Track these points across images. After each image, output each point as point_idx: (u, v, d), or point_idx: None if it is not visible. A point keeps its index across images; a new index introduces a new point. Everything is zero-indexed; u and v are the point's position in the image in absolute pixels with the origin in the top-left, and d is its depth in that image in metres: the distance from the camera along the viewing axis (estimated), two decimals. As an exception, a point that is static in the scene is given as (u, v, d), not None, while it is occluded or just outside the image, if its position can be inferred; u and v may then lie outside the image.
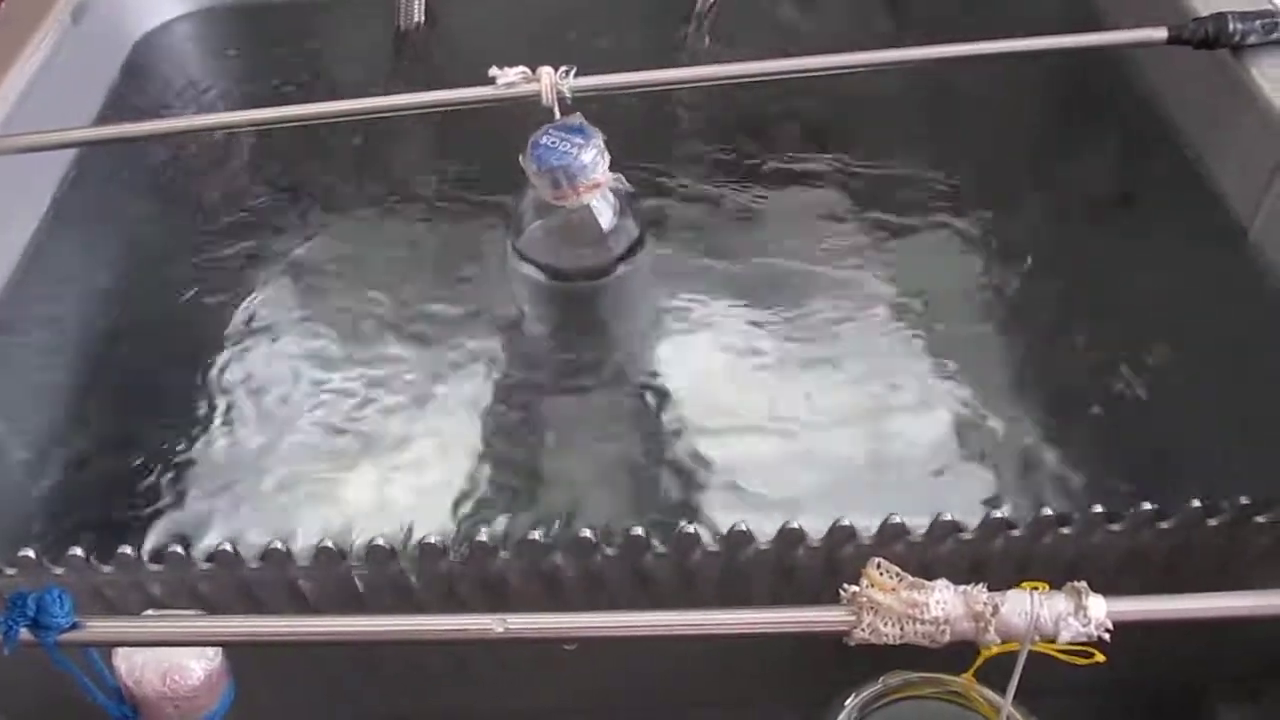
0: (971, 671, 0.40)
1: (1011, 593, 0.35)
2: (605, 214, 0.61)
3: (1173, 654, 0.50)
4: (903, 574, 0.35)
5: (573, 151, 0.57)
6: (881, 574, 0.35)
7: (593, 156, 0.58)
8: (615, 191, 0.60)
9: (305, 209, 0.69)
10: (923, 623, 0.35)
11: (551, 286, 0.62)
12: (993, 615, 0.34)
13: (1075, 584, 0.35)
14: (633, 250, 0.62)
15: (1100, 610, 0.34)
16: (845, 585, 0.35)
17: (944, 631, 0.35)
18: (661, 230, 0.65)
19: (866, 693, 0.46)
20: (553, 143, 0.58)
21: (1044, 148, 0.70)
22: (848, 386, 0.57)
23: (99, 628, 0.35)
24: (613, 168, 0.59)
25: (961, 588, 0.35)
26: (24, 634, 0.34)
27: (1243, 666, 0.53)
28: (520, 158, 0.59)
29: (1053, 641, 0.35)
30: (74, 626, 0.35)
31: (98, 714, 0.40)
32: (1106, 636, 0.34)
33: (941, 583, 0.35)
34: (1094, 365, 0.57)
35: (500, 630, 0.34)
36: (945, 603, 0.35)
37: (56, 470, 0.56)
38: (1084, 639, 0.35)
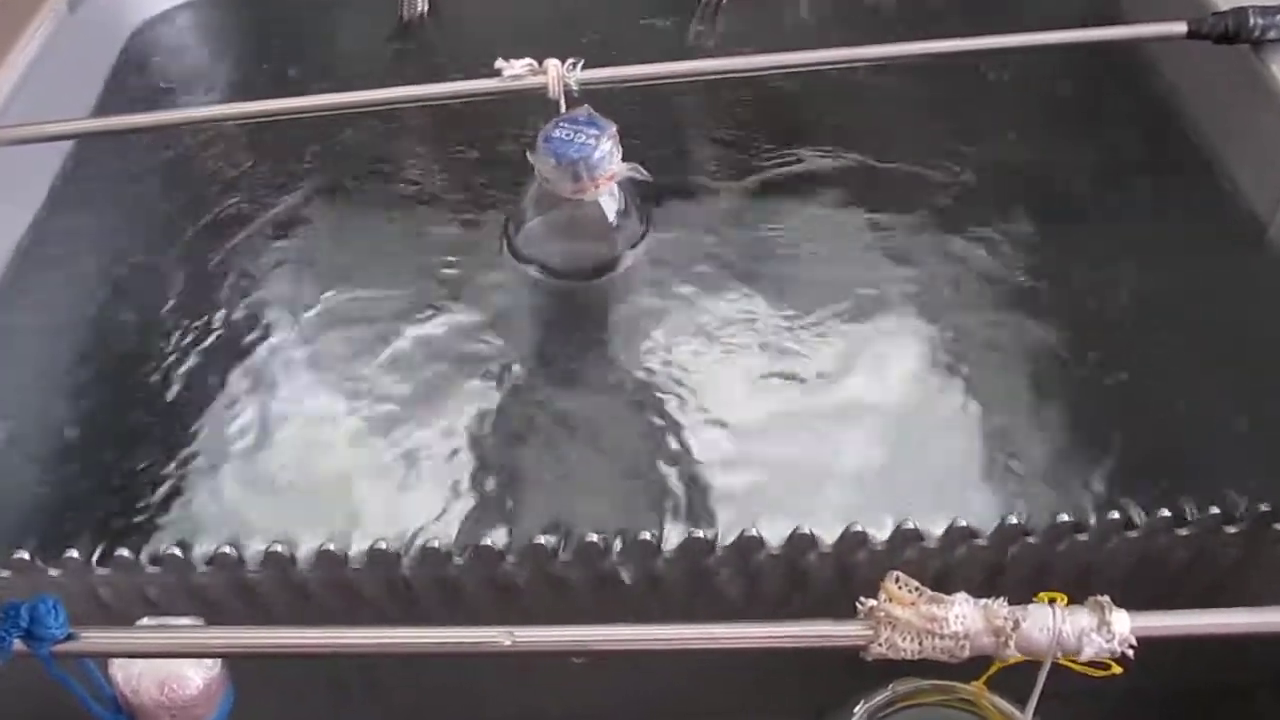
0: (984, 680, 0.39)
1: (1033, 606, 0.34)
2: (611, 208, 0.60)
3: (1189, 659, 0.49)
4: (921, 588, 0.34)
5: (590, 143, 0.56)
6: (900, 588, 0.34)
7: (609, 148, 0.57)
8: (623, 184, 0.59)
9: (304, 202, 0.68)
10: (942, 638, 0.34)
11: (556, 284, 0.61)
12: (1013, 630, 0.34)
13: (1099, 598, 0.34)
14: (636, 246, 0.61)
15: (1124, 626, 0.34)
16: (862, 599, 0.34)
17: (964, 647, 0.34)
18: (666, 227, 0.64)
19: (876, 700, 0.45)
20: (568, 136, 0.57)
21: (1061, 142, 0.69)
22: (859, 389, 0.56)
23: (94, 638, 0.34)
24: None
25: (981, 601, 0.34)
26: (17, 645, 0.34)
27: (1260, 672, 0.52)
28: (528, 153, 0.58)
29: (1075, 657, 0.34)
30: (68, 637, 0.34)
31: (94, 721, 0.39)
32: (1130, 653, 0.34)
33: (961, 596, 0.34)
34: (1110, 367, 0.56)
35: (508, 643, 0.34)
36: (965, 617, 0.34)
37: (52, 468, 0.55)
38: (1107, 655, 0.34)
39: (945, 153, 0.68)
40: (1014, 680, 0.36)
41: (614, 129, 0.57)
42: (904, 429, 0.54)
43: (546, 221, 0.61)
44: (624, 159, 0.58)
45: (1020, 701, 0.36)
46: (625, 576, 0.48)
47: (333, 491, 0.52)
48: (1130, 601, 0.34)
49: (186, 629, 0.39)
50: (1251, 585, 0.51)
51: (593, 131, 0.57)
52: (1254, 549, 0.49)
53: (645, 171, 0.58)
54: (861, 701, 0.45)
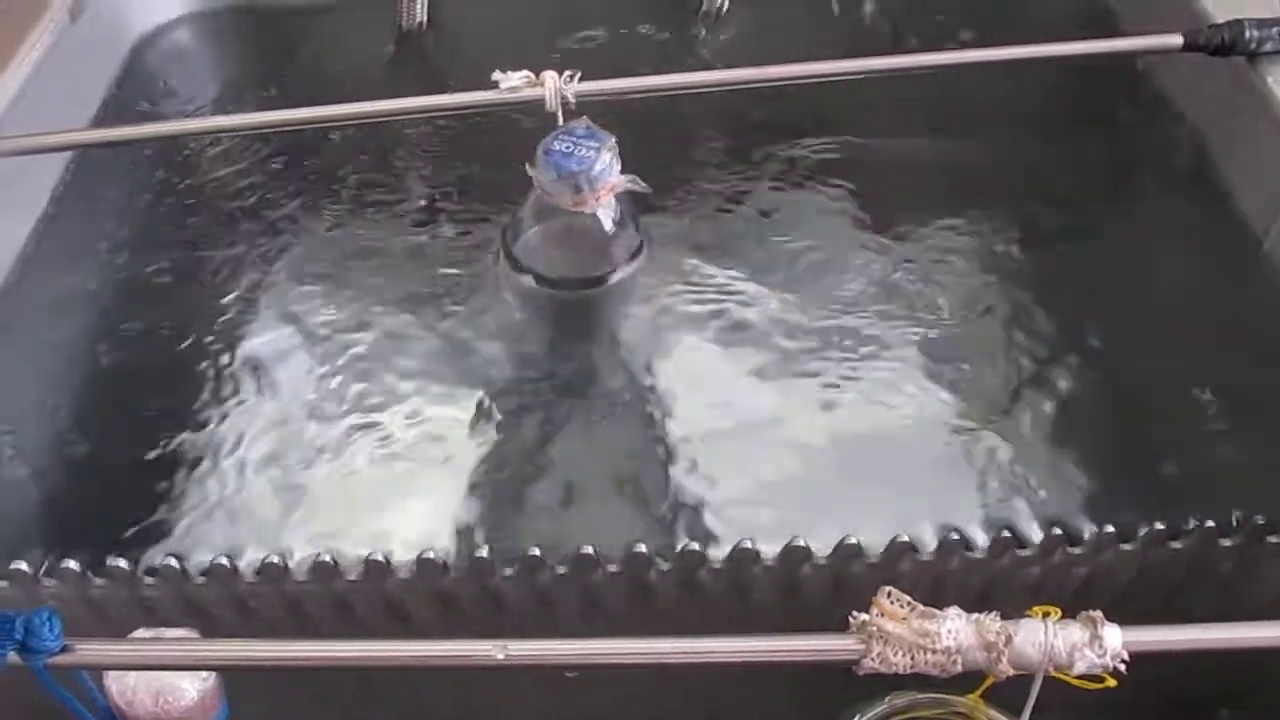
0: (979, 692, 0.39)
1: (1025, 621, 0.34)
2: (608, 219, 0.60)
3: (1183, 671, 0.49)
4: (913, 603, 0.34)
5: (591, 156, 0.57)
6: (892, 602, 0.34)
7: (609, 160, 0.57)
8: (620, 196, 0.59)
9: (303, 212, 0.68)
10: (934, 653, 0.34)
11: (552, 294, 0.61)
12: (1005, 645, 0.34)
13: (1091, 613, 0.34)
14: (633, 257, 0.61)
15: (1116, 640, 0.34)
16: (855, 613, 0.34)
17: (955, 662, 0.34)
18: (662, 237, 0.64)
19: (872, 713, 0.45)
20: (567, 148, 0.57)
21: (1058, 154, 0.69)
22: (855, 399, 0.56)
23: (89, 650, 0.35)
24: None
25: (974, 616, 0.34)
26: (12, 657, 0.34)
27: (1254, 681, 0.52)
28: (528, 166, 0.58)
29: (1067, 671, 0.34)
30: (64, 649, 0.34)
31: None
32: (1122, 667, 0.34)
33: (953, 611, 0.34)
34: (1106, 380, 0.56)
35: (501, 657, 0.34)
36: (957, 632, 0.34)
37: (51, 478, 0.55)
38: (1099, 670, 0.34)
39: (943, 164, 0.68)
40: (1011, 692, 0.36)
41: (612, 141, 0.57)
42: (901, 441, 0.54)
43: (543, 232, 0.61)
44: (621, 171, 0.58)
45: (1017, 714, 0.36)
46: (619, 589, 0.48)
47: (328, 503, 0.52)
48: (1126, 615, 0.34)
49: (181, 641, 0.39)
50: (1248, 599, 0.51)
51: (592, 144, 0.57)
52: (1250, 562, 0.49)
53: (644, 183, 0.59)
54: (857, 716, 0.45)
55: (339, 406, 0.56)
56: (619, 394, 0.57)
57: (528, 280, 0.61)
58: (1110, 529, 0.48)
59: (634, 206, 0.61)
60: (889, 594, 0.34)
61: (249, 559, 0.49)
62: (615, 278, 0.61)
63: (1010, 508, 0.51)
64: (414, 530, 0.50)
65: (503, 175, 0.60)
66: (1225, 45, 0.61)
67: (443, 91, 0.61)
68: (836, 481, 0.53)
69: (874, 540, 0.48)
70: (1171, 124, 0.69)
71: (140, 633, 0.41)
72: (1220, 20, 0.63)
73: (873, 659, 0.34)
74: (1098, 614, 0.34)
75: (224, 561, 0.48)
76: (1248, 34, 0.61)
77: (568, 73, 0.58)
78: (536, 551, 0.48)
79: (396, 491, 0.52)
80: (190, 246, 0.66)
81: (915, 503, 0.51)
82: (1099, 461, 0.53)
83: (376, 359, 0.59)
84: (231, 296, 0.63)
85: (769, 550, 0.48)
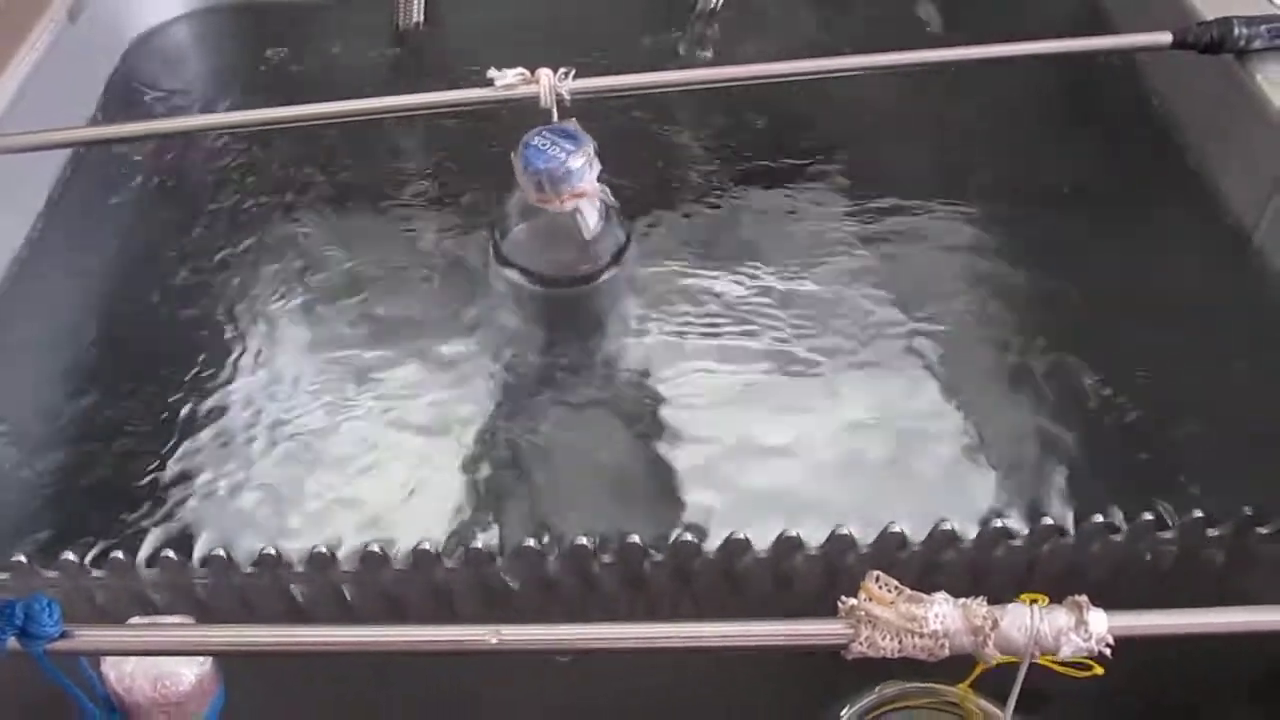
0: (968, 682, 0.39)
1: (1011, 606, 0.35)
2: (591, 220, 0.60)
3: (1172, 662, 0.50)
4: (901, 587, 0.35)
5: (561, 156, 0.56)
6: (880, 587, 0.35)
7: (581, 164, 0.56)
8: (607, 195, 0.60)
9: (300, 209, 0.68)
10: (921, 636, 0.34)
11: (540, 291, 0.61)
12: (992, 630, 0.34)
13: (1076, 598, 0.35)
14: (618, 256, 0.61)
15: (1101, 625, 0.34)
16: (843, 598, 0.35)
17: (943, 645, 0.34)
18: (654, 234, 0.65)
19: (862, 703, 0.45)
20: (543, 145, 0.57)
21: (1047, 152, 0.70)
22: (845, 394, 0.57)
23: (88, 636, 0.35)
24: (606, 169, 0.58)
25: (961, 601, 0.35)
26: (12, 643, 0.34)
27: (1242, 674, 0.52)
28: (512, 155, 0.58)
29: (1054, 656, 0.34)
30: (63, 635, 0.34)
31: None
32: (1108, 652, 0.34)
33: (940, 596, 0.35)
34: (1095, 374, 0.57)
35: (494, 641, 0.34)
36: (944, 616, 0.34)
37: (50, 472, 0.55)
38: (1085, 654, 0.34)
39: (931, 162, 0.69)
40: (1001, 682, 0.36)
41: (590, 147, 0.57)
42: (889, 433, 0.55)
43: (529, 229, 0.61)
44: (611, 170, 0.58)
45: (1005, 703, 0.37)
46: (613, 579, 0.48)
47: (324, 495, 0.52)
48: (1115, 605, 0.34)
49: (179, 627, 0.40)
50: (1235, 589, 0.51)
51: (568, 146, 0.56)
52: (1237, 552, 0.50)
53: (613, 197, 0.59)
54: (848, 705, 0.45)
55: (333, 400, 0.57)
56: (609, 388, 0.57)
57: (514, 276, 0.61)
58: (1099, 519, 0.49)
59: (620, 205, 0.61)
60: (877, 578, 0.35)
61: (246, 551, 0.49)
62: (602, 276, 0.61)
63: (1001, 499, 0.51)
64: (409, 522, 0.51)
65: (499, 172, 0.61)
66: (1214, 43, 0.62)
67: (438, 89, 0.62)
68: (828, 474, 0.53)
69: (865, 532, 0.49)
70: (1161, 121, 0.70)
71: (137, 620, 0.42)
72: (1209, 18, 0.63)
73: (861, 643, 0.34)
74: (1083, 598, 0.34)
75: (221, 553, 0.48)
76: (1237, 31, 0.62)
77: (562, 70, 0.58)
78: (531, 543, 0.48)
79: (390, 484, 0.53)
80: (187, 244, 0.67)
81: (906, 494, 0.51)
82: (1089, 453, 0.53)
83: (377, 354, 0.59)
84: (228, 293, 0.63)
85: (761, 541, 0.48)
